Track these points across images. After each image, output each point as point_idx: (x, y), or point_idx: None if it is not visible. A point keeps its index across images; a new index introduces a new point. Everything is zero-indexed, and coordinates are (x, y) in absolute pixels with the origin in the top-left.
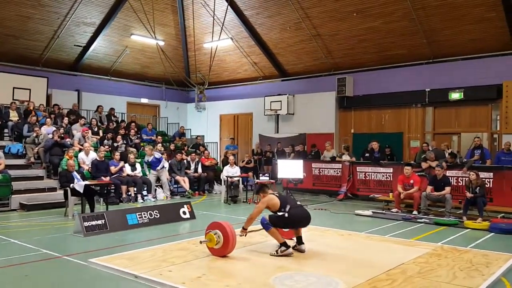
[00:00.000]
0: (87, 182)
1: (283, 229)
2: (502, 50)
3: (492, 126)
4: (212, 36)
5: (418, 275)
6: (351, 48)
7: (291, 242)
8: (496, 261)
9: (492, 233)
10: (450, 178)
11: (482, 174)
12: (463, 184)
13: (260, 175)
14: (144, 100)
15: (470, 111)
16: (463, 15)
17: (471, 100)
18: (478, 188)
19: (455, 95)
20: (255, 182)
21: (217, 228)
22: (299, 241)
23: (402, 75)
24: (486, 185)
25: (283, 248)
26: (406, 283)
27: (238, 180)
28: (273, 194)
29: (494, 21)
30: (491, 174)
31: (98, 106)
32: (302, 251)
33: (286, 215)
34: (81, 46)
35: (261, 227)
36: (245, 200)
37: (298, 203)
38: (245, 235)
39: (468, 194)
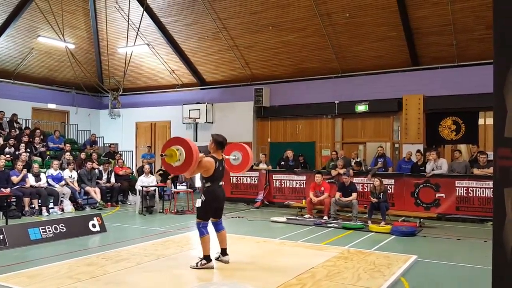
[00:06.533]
0: None
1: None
2: (402, 66)
3: (393, 136)
4: (127, 41)
5: (326, 278)
6: (267, 60)
7: (215, 254)
8: (396, 262)
9: (394, 236)
10: (356, 184)
11: (385, 181)
12: (368, 190)
13: (178, 184)
14: (51, 106)
15: (374, 122)
16: (368, 33)
17: (375, 112)
18: (382, 193)
19: (361, 107)
20: (172, 191)
21: (179, 144)
22: (223, 252)
23: (314, 87)
24: (388, 191)
25: (204, 261)
26: (314, 287)
27: (154, 190)
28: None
29: (395, 39)
30: (393, 180)
31: None
32: (226, 262)
33: (203, 198)
34: None
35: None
36: (161, 211)
37: (221, 183)
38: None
39: (373, 199)
